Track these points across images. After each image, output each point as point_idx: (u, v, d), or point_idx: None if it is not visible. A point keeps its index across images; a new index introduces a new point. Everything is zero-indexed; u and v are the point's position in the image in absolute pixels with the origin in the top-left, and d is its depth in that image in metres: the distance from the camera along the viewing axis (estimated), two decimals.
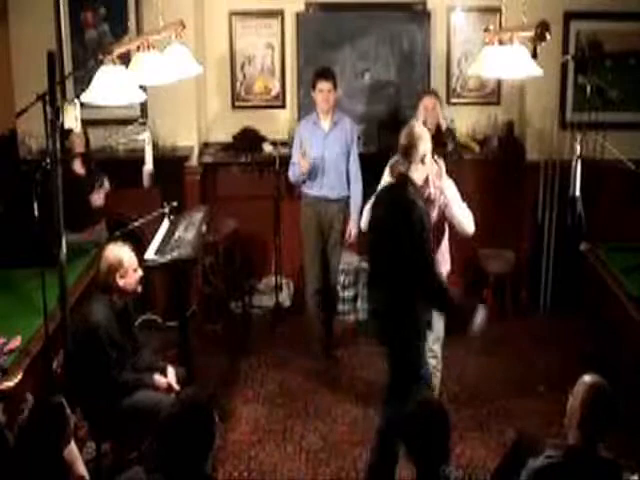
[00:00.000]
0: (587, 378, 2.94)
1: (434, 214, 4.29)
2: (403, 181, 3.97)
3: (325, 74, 5.46)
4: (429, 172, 4.23)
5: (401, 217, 3.89)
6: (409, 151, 3.93)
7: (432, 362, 4.55)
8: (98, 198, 5.51)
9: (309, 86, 5.60)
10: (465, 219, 4.35)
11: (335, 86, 5.46)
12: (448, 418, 2.96)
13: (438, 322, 4.51)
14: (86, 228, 5.45)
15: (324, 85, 5.41)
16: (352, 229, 5.55)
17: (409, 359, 4.04)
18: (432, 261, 4.02)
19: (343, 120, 5.56)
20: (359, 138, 5.84)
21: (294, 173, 5.60)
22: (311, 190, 5.60)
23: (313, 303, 5.71)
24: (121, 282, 4.05)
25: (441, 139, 5.37)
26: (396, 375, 4.07)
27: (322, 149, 5.50)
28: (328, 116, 5.50)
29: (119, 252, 4.08)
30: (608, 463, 2.87)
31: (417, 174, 3.98)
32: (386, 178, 4.58)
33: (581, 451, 2.89)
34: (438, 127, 5.52)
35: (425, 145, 3.97)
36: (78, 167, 5.50)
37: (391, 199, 4.04)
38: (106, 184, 5.58)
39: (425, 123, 5.46)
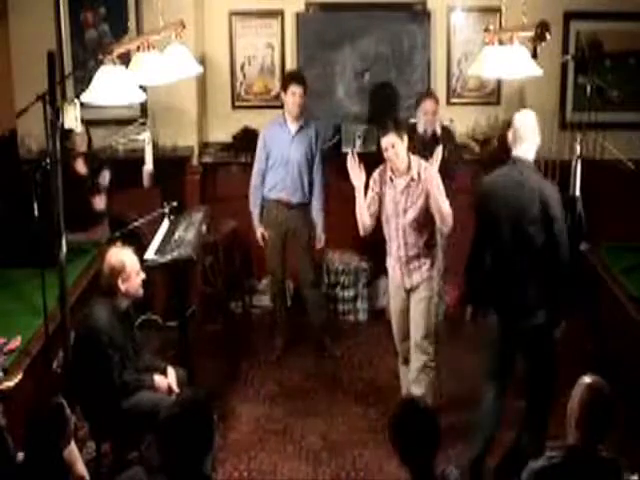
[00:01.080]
0: (586, 378, 2.94)
1: (421, 200, 4.37)
2: (520, 163, 4.01)
3: (298, 78, 5.45)
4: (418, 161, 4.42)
5: (537, 195, 3.89)
6: (522, 134, 4.02)
7: (423, 358, 4.51)
8: (100, 201, 5.50)
9: (308, 87, 5.57)
10: (443, 207, 4.32)
11: (306, 91, 5.43)
12: (435, 418, 2.95)
13: (427, 317, 4.50)
14: (90, 228, 5.44)
15: (297, 89, 5.38)
16: (321, 235, 5.56)
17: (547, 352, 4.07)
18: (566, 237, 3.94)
19: (309, 126, 5.52)
20: (359, 137, 5.83)
21: (256, 194, 5.56)
22: (271, 193, 5.53)
23: (275, 303, 5.80)
24: (123, 286, 4.02)
25: (437, 143, 5.39)
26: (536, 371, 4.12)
27: (287, 151, 5.45)
28: (296, 120, 5.47)
29: (122, 256, 4.04)
30: (608, 463, 2.87)
31: (530, 154, 4.04)
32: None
33: (581, 451, 2.89)
34: (434, 132, 5.55)
35: (534, 127, 4.05)
36: (80, 167, 5.50)
37: (518, 181, 4.00)
38: (105, 179, 5.57)
39: (426, 130, 5.49)
